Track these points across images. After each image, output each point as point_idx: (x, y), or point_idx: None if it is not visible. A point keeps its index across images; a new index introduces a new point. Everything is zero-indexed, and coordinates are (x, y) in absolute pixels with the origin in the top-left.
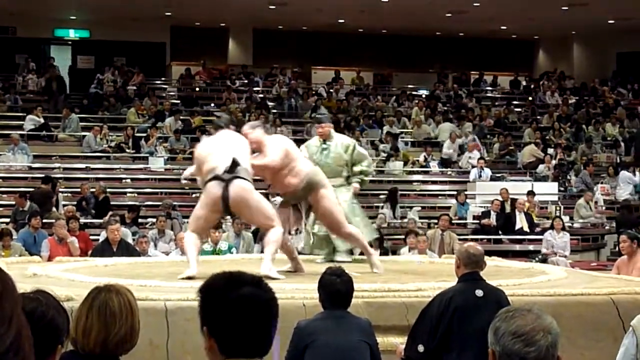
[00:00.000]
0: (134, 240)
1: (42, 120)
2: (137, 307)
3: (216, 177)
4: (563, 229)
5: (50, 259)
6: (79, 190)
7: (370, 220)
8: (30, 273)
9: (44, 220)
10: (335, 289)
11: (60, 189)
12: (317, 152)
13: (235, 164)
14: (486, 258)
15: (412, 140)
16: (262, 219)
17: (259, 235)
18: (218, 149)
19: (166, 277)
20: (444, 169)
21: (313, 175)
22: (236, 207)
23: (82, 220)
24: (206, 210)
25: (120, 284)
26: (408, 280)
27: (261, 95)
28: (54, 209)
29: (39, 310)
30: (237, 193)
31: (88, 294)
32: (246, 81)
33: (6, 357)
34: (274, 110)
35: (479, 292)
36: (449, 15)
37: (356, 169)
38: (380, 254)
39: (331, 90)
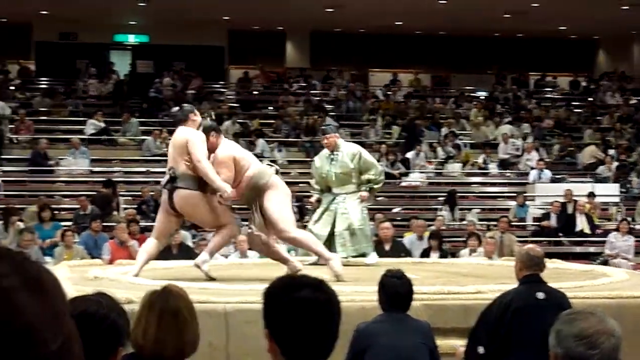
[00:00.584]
0: (193, 243)
1: (102, 125)
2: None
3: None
4: (628, 231)
5: (111, 261)
6: (139, 193)
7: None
8: (91, 276)
9: (105, 224)
10: (396, 291)
11: (121, 193)
12: (326, 162)
13: (172, 178)
14: (546, 260)
15: (470, 141)
16: (213, 221)
17: None
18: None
19: (225, 280)
20: (503, 171)
21: (257, 179)
22: (184, 213)
23: (143, 224)
24: (162, 215)
25: (176, 286)
26: (467, 282)
27: (319, 98)
28: (114, 212)
29: (100, 312)
30: (178, 203)
31: (147, 297)
32: (304, 84)
33: (56, 357)
34: (332, 113)
35: (540, 295)
36: (508, 16)
37: (364, 177)
38: (439, 257)
39: (389, 93)
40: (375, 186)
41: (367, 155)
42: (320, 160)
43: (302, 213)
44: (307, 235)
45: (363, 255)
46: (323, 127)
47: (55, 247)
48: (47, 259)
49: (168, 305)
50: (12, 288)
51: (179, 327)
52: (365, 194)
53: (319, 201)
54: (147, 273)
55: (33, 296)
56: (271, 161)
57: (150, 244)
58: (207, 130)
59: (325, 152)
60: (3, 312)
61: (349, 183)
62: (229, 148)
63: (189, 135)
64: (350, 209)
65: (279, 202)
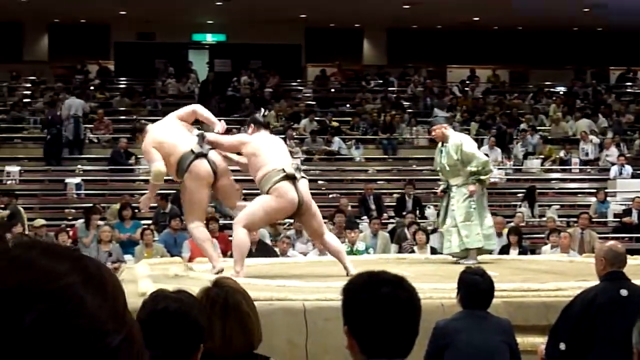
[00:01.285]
0: (271, 240)
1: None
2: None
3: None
4: None
5: (190, 259)
6: None
7: (488, 229)
8: (172, 274)
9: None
10: (478, 288)
11: None
12: (438, 154)
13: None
14: (628, 257)
15: (549, 137)
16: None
17: (395, 235)
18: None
19: (304, 277)
20: (583, 167)
21: (263, 184)
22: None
23: (222, 222)
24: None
25: (228, 279)
26: (548, 279)
27: (396, 95)
28: None
29: (182, 310)
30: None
31: (204, 294)
32: (381, 81)
33: (119, 351)
34: (409, 110)
35: (624, 292)
36: (587, 10)
37: (467, 169)
38: (519, 253)
39: (466, 89)
40: (483, 177)
41: (468, 146)
42: (436, 152)
43: (381, 210)
44: (244, 240)
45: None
46: (430, 120)
47: (135, 245)
48: (127, 256)
49: (229, 303)
50: (72, 285)
51: (245, 323)
52: (472, 187)
53: (443, 191)
54: (227, 271)
55: (93, 293)
56: (295, 169)
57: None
58: (249, 122)
59: (439, 144)
60: (64, 308)
61: (458, 175)
62: (256, 141)
63: None
64: (456, 204)
65: (262, 203)
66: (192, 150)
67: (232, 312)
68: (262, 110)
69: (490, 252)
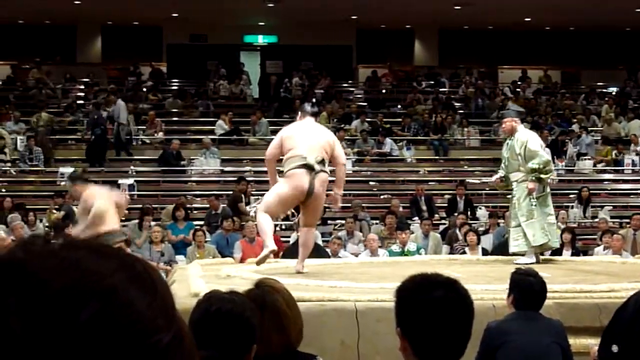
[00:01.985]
0: (323, 241)
1: (227, 127)
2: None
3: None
4: None
5: (242, 260)
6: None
7: (551, 225)
8: (224, 274)
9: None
10: (531, 289)
11: (252, 192)
12: (505, 147)
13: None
14: None
15: (602, 138)
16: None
17: (447, 236)
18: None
19: (356, 278)
20: (636, 168)
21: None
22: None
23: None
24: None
25: (270, 280)
26: (600, 280)
27: (447, 96)
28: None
29: (235, 310)
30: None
31: (246, 293)
32: (432, 82)
33: (169, 349)
34: (461, 111)
35: None
36: (639, 10)
37: (528, 166)
38: (572, 254)
39: (518, 90)
40: (543, 176)
41: (533, 144)
42: (504, 146)
43: (432, 211)
44: (265, 221)
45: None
46: (502, 112)
47: (187, 246)
48: (180, 257)
49: (266, 303)
50: (120, 284)
51: (281, 322)
52: (531, 184)
53: (501, 180)
54: (279, 271)
55: (141, 292)
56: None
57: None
58: (299, 110)
59: (508, 137)
60: (115, 306)
61: (518, 170)
62: (294, 127)
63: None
64: (517, 203)
65: (275, 188)
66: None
67: (268, 310)
68: (313, 100)
69: (553, 248)
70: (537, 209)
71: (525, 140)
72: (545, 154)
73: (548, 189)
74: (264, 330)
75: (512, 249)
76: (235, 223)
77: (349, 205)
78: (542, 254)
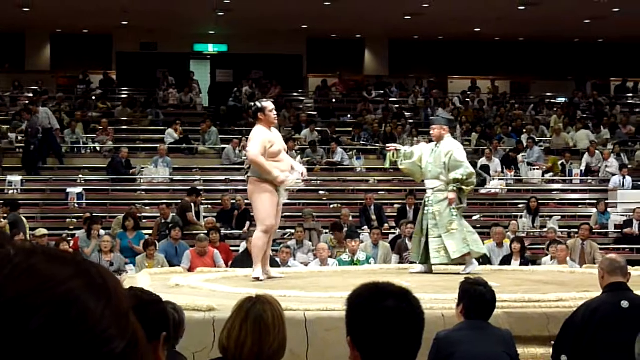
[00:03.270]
0: (273, 250)
1: (177, 136)
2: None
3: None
4: None
5: (190, 270)
6: (219, 201)
7: (471, 234)
8: (172, 283)
9: (186, 232)
10: (483, 298)
11: (202, 201)
12: (428, 152)
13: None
14: (630, 268)
15: (550, 148)
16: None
17: (396, 246)
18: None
19: (305, 287)
20: (584, 178)
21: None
22: None
23: (223, 232)
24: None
25: (270, 295)
26: (549, 290)
27: (397, 106)
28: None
29: (146, 298)
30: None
31: (240, 304)
32: (382, 92)
33: (124, 357)
34: (411, 121)
35: (625, 303)
36: (588, 21)
37: (451, 175)
38: (520, 264)
39: (467, 100)
40: (465, 187)
41: (459, 155)
42: (427, 148)
43: (382, 220)
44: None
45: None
46: (432, 118)
47: (137, 255)
48: (129, 267)
49: (253, 311)
50: (75, 290)
51: (259, 331)
52: (452, 195)
53: (396, 153)
54: (227, 280)
55: (97, 298)
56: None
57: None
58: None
59: (432, 143)
60: (68, 314)
61: (437, 178)
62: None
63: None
64: (437, 215)
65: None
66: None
67: (251, 320)
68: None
69: (482, 255)
70: (457, 219)
71: (451, 149)
72: (470, 167)
73: (465, 202)
74: (241, 334)
75: (433, 261)
76: (183, 232)
77: (300, 214)
78: (480, 261)
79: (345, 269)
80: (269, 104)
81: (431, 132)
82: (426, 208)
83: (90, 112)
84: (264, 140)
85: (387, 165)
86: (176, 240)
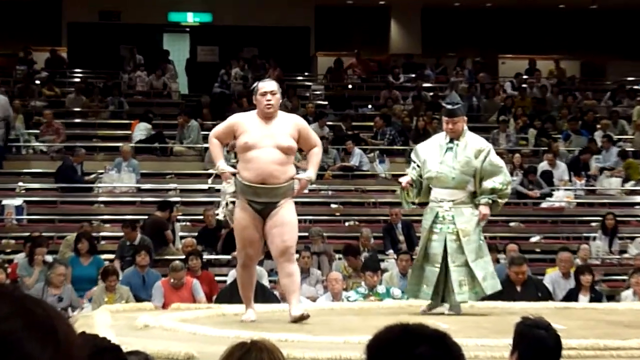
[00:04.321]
0: (270, 282)
1: (145, 133)
2: None
3: None
4: None
5: (164, 306)
6: (200, 217)
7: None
8: (140, 324)
9: (157, 258)
10: (543, 345)
11: (178, 217)
12: (439, 153)
13: None
14: None
15: (632, 149)
16: None
17: None
18: None
19: (313, 330)
20: None
21: None
22: None
23: (206, 257)
24: None
25: (268, 340)
26: (630, 335)
27: (432, 94)
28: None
29: (109, 345)
30: None
31: (230, 352)
32: (413, 75)
33: None
34: None
35: None
36: None
37: (487, 184)
38: (591, 300)
39: (524, 85)
40: (500, 200)
41: (496, 156)
42: (429, 149)
43: (412, 243)
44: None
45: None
46: (448, 106)
47: (94, 287)
48: (84, 302)
49: (246, 356)
50: (12, 332)
51: None
52: (486, 209)
53: (411, 184)
54: (212, 320)
55: (42, 344)
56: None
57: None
58: None
59: (439, 138)
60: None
61: (463, 188)
62: None
63: None
64: (462, 233)
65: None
66: None
67: None
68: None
69: (499, 293)
70: (484, 243)
71: (482, 148)
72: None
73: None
74: None
75: (458, 297)
76: (152, 257)
77: (305, 234)
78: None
79: (364, 306)
80: (263, 85)
81: (449, 126)
82: (438, 226)
83: (34, 101)
84: (233, 123)
85: (406, 207)
86: (143, 267)
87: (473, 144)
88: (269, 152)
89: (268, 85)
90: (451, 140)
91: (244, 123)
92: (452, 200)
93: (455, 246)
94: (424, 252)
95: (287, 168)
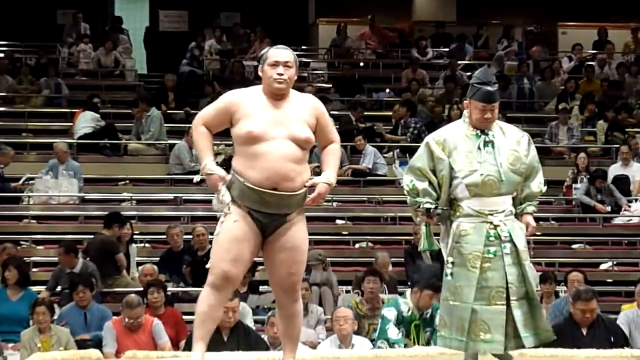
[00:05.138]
0: (255, 323)
1: (93, 124)
2: None
3: None
4: None
5: (117, 354)
6: (163, 237)
7: None
8: None
9: (106, 290)
10: None
11: (134, 236)
12: (472, 148)
13: None
14: None
15: None
16: None
17: None
18: None
19: None
20: None
21: None
22: None
23: (171, 289)
24: None
25: None
26: None
27: (470, 73)
28: (122, 270)
29: None
30: None
31: None
32: (445, 49)
33: None
34: None
35: None
36: None
37: (533, 186)
38: None
39: (591, 63)
40: (535, 207)
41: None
42: (458, 144)
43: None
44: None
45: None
46: (487, 87)
47: (23, 327)
48: (9, 349)
49: None
50: None
51: None
52: (532, 221)
53: (437, 215)
54: None
55: None
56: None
57: None
58: None
59: (460, 127)
60: None
61: (512, 194)
62: None
63: None
64: (524, 252)
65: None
66: None
67: None
68: None
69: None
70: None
71: (522, 136)
72: None
73: None
74: None
75: (526, 341)
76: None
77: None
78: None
79: (381, 354)
80: (275, 53)
81: (485, 115)
82: (492, 249)
83: None
84: (228, 103)
85: (424, 248)
86: (84, 303)
87: (510, 133)
88: (282, 146)
89: (282, 54)
90: (481, 133)
91: (244, 104)
92: (503, 212)
93: (516, 273)
94: (476, 287)
95: (303, 168)
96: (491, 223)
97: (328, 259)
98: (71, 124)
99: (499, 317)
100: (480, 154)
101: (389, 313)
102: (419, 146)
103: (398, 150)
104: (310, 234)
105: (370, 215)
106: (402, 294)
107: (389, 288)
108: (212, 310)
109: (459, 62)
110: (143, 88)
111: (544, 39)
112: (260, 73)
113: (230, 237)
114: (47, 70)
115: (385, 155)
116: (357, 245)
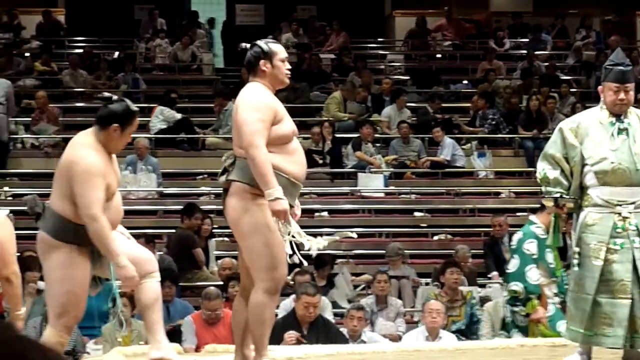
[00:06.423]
0: (335, 315)
1: (172, 118)
2: None
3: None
4: None
5: (197, 348)
6: None
7: None
8: None
9: (185, 284)
10: None
11: (213, 229)
12: (605, 135)
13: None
14: None
15: None
16: None
17: None
18: None
19: None
20: None
21: None
22: None
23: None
24: None
25: None
26: None
27: (548, 64)
28: (203, 264)
29: None
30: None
31: None
32: (524, 40)
33: None
34: (572, 90)
35: None
36: None
37: None
38: None
39: None
40: None
41: None
42: (592, 131)
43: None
44: None
45: None
46: (619, 67)
47: (104, 323)
48: (90, 344)
49: None
50: None
51: None
52: None
53: (568, 205)
54: None
55: None
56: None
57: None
58: None
59: (596, 115)
60: None
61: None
62: None
63: None
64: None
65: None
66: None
67: None
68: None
69: None
70: None
71: None
72: None
73: None
74: None
75: None
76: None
77: (382, 252)
78: None
79: (467, 347)
80: (279, 49)
81: (619, 96)
82: (619, 241)
83: (22, 80)
84: (271, 109)
85: (550, 244)
86: (169, 298)
87: None
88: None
89: (284, 50)
90: (617, 117)
91: (277, 104)
92: (633, 203)
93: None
94: (600, 279)
95: None
96: (619, 214)
97: (406, 251)
98: (149, 118)
99: (623, 310)
100: (614, 142)
101: (531, 245)
102: (498, 137)
103: (476, 141)
104: (388, 227)
105: (449, 207)
106: (483, 286)
107: (468, 280)
108: (273, 316)
109: (536, 52)
110: (220, 82)
111: (622, 28)
112: (266, 68)
113: (280, 241)
114: (124, 65)
115: (463, 146)
116: (435, 238)
